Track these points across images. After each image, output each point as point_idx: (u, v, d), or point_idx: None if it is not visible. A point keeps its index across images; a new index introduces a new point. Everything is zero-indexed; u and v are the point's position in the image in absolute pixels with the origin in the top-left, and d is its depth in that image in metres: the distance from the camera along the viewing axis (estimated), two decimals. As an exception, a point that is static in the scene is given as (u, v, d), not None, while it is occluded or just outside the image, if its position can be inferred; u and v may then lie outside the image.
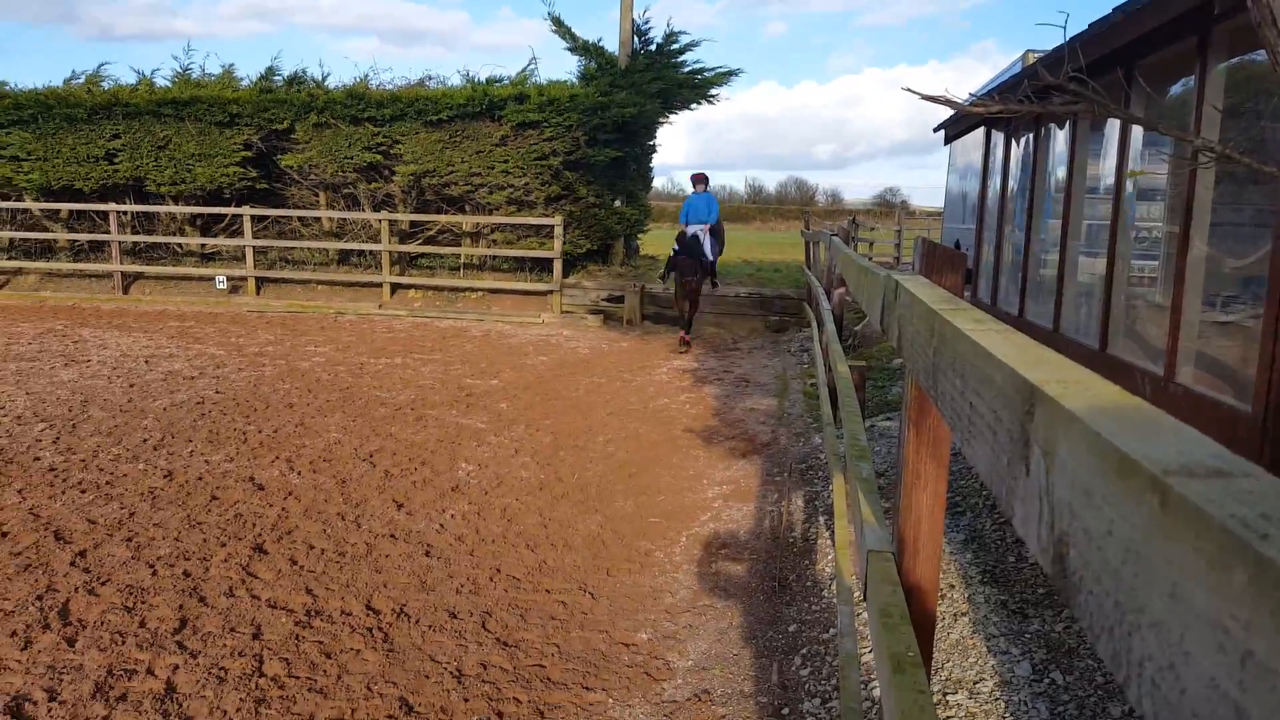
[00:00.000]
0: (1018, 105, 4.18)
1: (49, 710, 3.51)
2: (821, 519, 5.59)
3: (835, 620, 3.81)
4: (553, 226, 14.53)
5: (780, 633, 4.26)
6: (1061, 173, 7.80)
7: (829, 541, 5.12)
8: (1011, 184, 9.78)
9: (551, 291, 14.72)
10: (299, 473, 6.47)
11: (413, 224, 16.13)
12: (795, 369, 10.69)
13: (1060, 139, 7.93)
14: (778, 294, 15.92)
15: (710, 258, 13.41)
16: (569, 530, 5.57)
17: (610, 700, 3.71)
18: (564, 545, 5.34)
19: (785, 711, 3.58)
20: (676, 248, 12.25)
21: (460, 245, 16.05)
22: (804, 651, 4.02)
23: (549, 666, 3.98)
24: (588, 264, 16.74)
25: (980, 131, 11.31)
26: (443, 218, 15.69)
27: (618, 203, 17.23)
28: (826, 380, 7.34)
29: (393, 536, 5.38)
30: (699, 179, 13.86)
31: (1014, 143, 9.74)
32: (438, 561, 5.06)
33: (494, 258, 15.94)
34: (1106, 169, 6.83)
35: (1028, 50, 11.76)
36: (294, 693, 3.72)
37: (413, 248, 15.76)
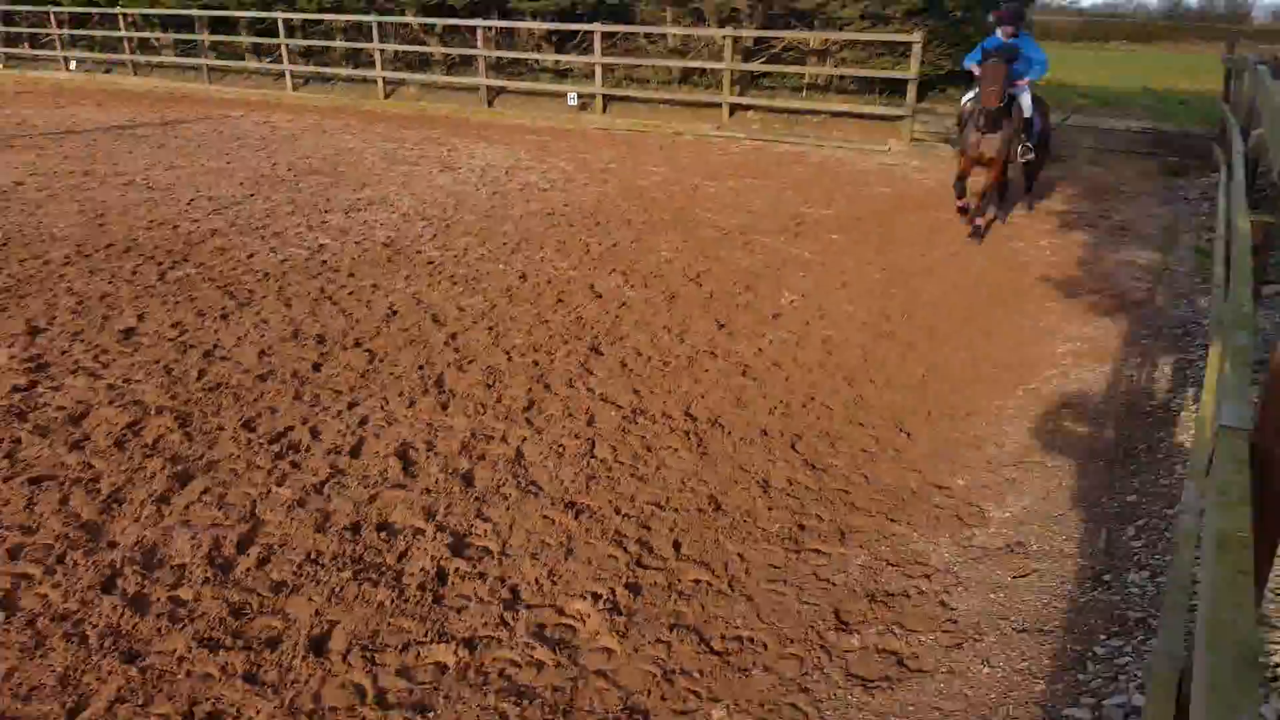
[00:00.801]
0: None
1: (427, 458, 4.37)
2: (1190, 390, 5.08)
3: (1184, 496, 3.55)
4: (910, 44, 13.59)
5: (1116, 501, 4.06)
6: None
7: (1195, 414, 4.66)
8: None
9: (902, 117, 13.97)
10: (633, 285, 7.05)
11: (757, 41, 15.91)
12: (1190, 221, 9.38)
13: None
14: (1181, 131, 13.76)
15: (1036, 126, 8.91)
16: (891, 369, 5.59)
17: (914, 535, 3.83)
18: (884, 383, 5.39)
19: (1106, 578, 3.48)
20: (977, 80, 8.37)
21: (805, 65, 15.63)
22: (1140, 523, 3.81)
23: (854, 494, 4.17)
24: (948, 87, 15.55)
25: None
26: (788, 34, 15.29)
27: (991, 18, 15.59)
28: (1226, 236, 6.41)
29: (713, 354, 5.76)
30: (1006, 16, 8.55)
31: None
32: (753, 382, 5.37)
33: (840, 78, 15.35)
34: None
35: None
36: (618, 475, 4.27)
37: (755, 66, 15.63)
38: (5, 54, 24.72)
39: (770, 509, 4.04)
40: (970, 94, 8.83)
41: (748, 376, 5.45)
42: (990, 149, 8.34)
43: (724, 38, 15.37)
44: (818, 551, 3.74)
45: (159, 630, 3.13)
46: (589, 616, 3.31)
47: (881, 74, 14.36)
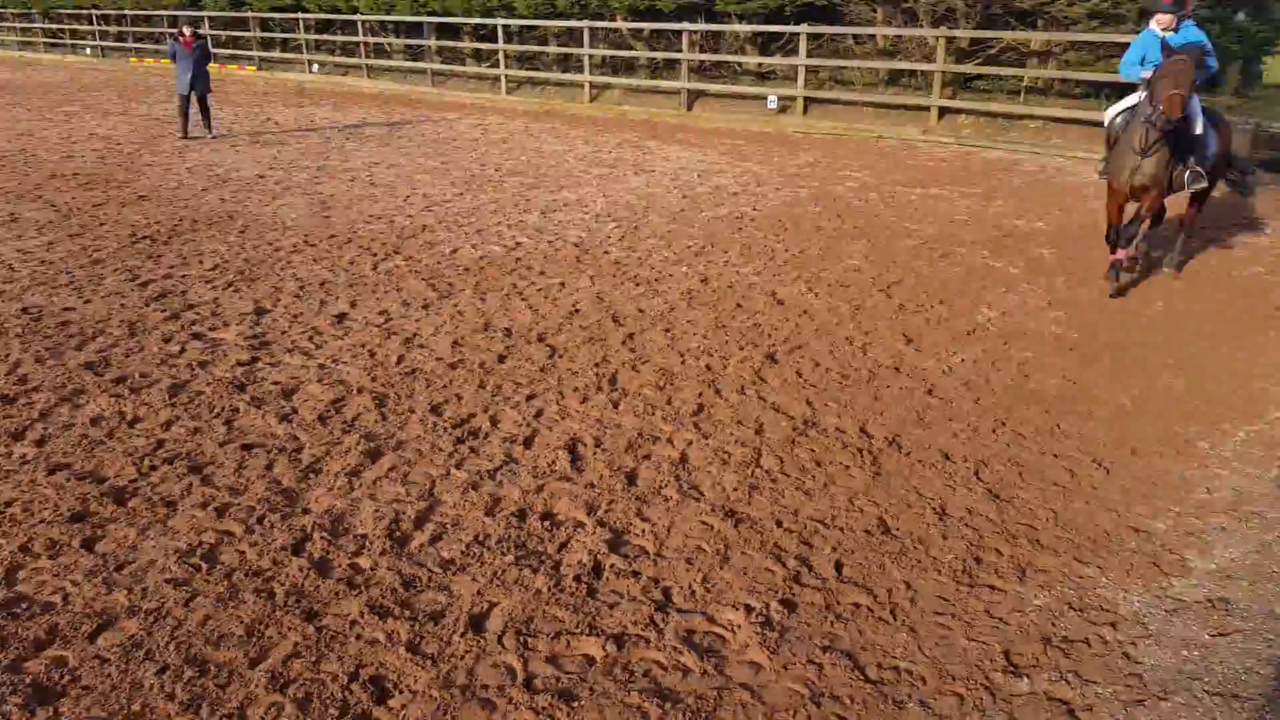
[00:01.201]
0: None
1: (594, 454, 4.48)
2: None
3: None
4: (1147, 44, 12.55)
5: (1354, 566, 3.58)
6: None
7: None
8: None
9: (1131, 125, 12.92)
10: (816, 293, 6.93)
11: (973, 42, 15.20)
12: None
13: None
14: None
15: (1210, 147, 7.03)
16: (1094, 397, 5.19)
17: (1103, 579, 3.54)
18: (1085, 413, 5.01)
19: (1332, 652, 3.08)
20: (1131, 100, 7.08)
21: (1025, 67, 14.78)
22: (1383, 594, 3.34)
23: (1040, 529, 3.90)
24: (1188, 92, 14.22)
25: None
26: (1009, 34, 14.50)
27: (1240, 15, 14.14)
28: None
29: (897, 369, 5.57)
30: (1168, 1, 6.81)
31: None
32: (938, 401, 5.14)
33: (1064, 81, 14.40)
34: None
35: None
36: (783, 488, 4.21)
37: (969, 68, 14.94)
38: (260, 58, 27.56)
39: (945, 538, 3.86)
40: (1121, 105, 7.23)
41: (933, 395, 5.22)
42: (1146, 176, 6.67)
43: (937, 38, 14.80)
44: (993, 588, 3.53)
45: (337, 594, 3.40)
46: (740, 628, 3.29)
47: (1110, 77, 13.35)
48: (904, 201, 10.10)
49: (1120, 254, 6.95)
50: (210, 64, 14.60)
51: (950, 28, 14.91)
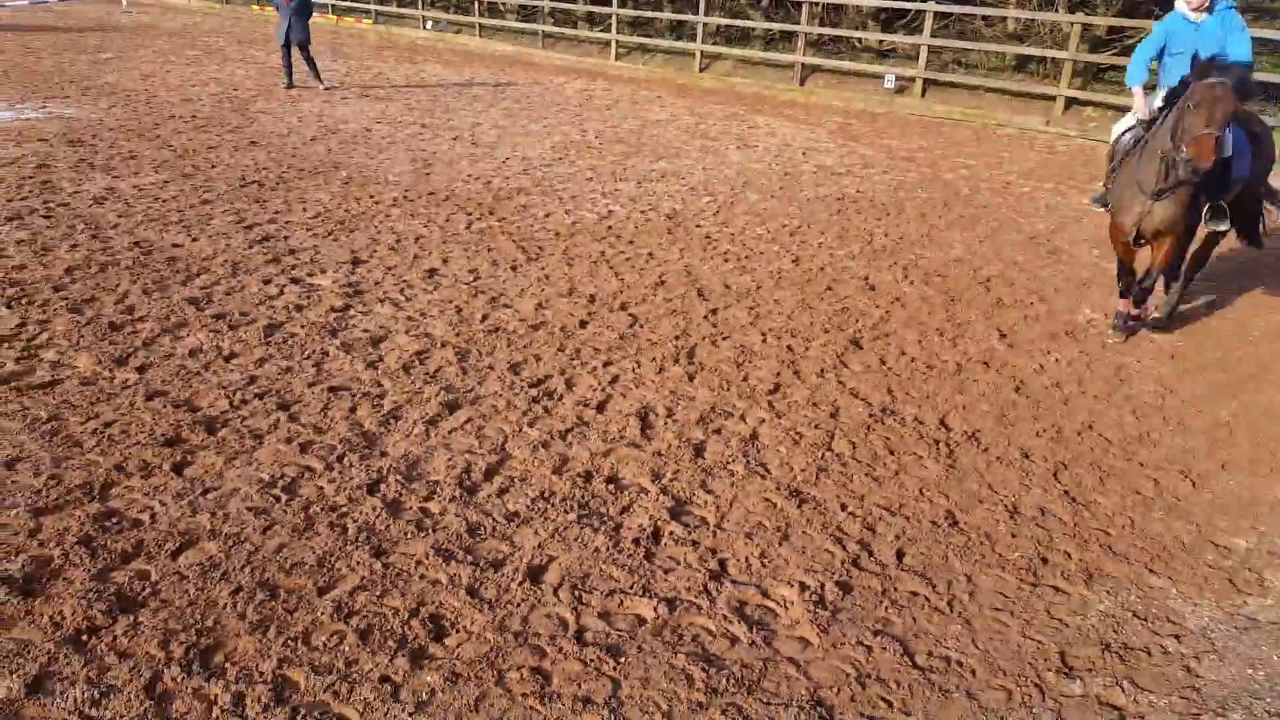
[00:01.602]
0: None
1: (664, 423, 4.62)
2: None
3: None
4: (1304, 38, 11.88)
5: None
6: None
7: None
8: None
9: None
10: (911, 281, 6.88)
11: (1111, 30, 14.62)
12: None
13: None
14: None
15: (1242, 170, 5.62)
16: (1191, 410, 5.06)
17: (1174, 591, 3.51)
18: (1178, 423, 4.89)
19: None
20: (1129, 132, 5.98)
21: (1167, 57, 14.14)
22: None
23: (1114, 536, 3.87)
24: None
25: None
26: (1150, 23, 13.89)
27: None
28: None
29: (986, 364, 5.52)
30: None
31: None
32: (1025, 400, 5.09)
33: (1209, 76, 13.75)
34: None
35: None
36: (852, 473, 4.27)
37: (1103, 57, 14.37)
38: (377, 11, 28.35)
39: (1013, 535, 3.87)
40: (1129, 120, 6.00)
41: (1020, 394, 5.17)
42: (1159, 221, 5.46)
43: (1072, 24, 14.29)
44: (1056, 589, 3.54)
45: (405, 534, 3.63)
46: (792, 604, 3.38)
47: (1272, 78, 12.67)
48: (1016, 193, 9.87)
49: (1128, 307, 5.98)
50: (311, 16, 15.03)
51: (1088, 13, 14.37)
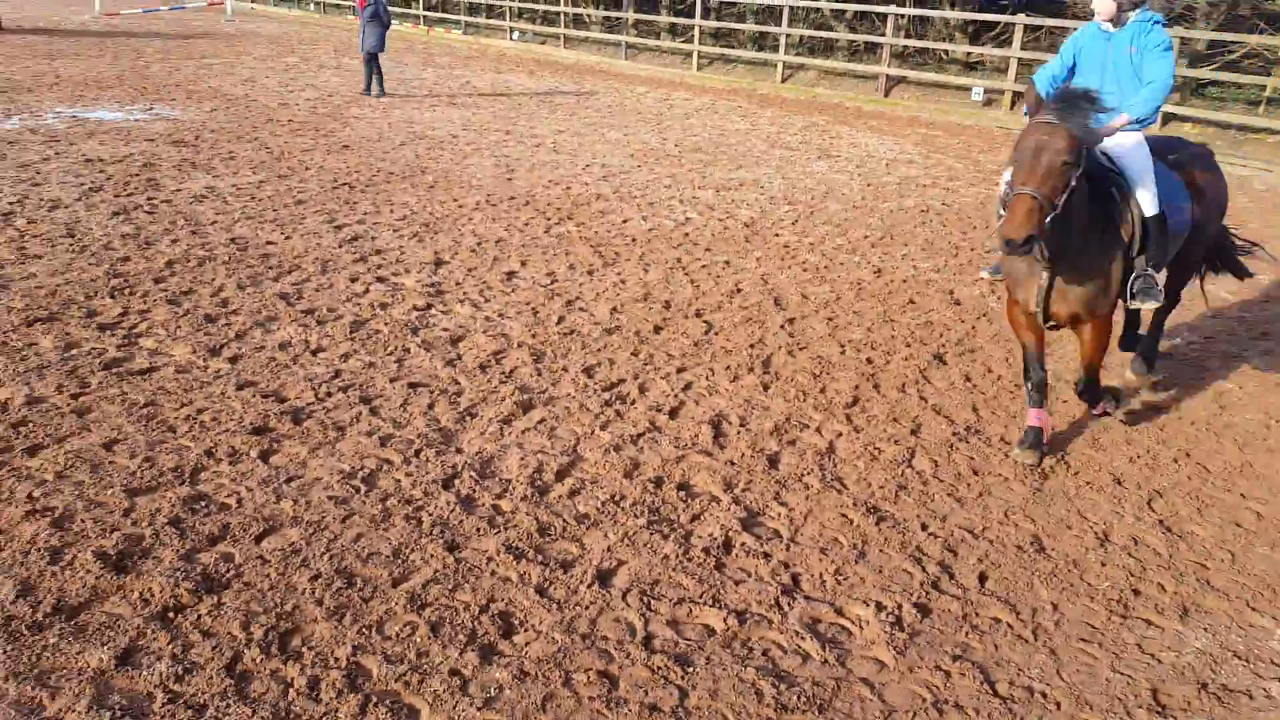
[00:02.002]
0: None
1: (738, 432, 4.53)
2: None
3: None
4: None
5: None
6: None
7: None
8: None
9: (1394, 146, 11.61)
10: (1000, 297, 6.66)
11: (1210, 44, 14.05)
12: None
13: None
14: None
15: (1180, 225, 4.46)
16: (1300, 439, 4.77)
17: (1278, 633, 3.29)
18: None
19: None
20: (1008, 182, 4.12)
21: (1270, 75, 13.52)
22: None
23: (1212, 569, 3.66)
24: None
25: None
26: (1255, 38, 13.30)
27: None
28: None
29: (1074, 384, 5.29)
30: None
31: None
32: (1118, 424, 4.86)
33: (1318, 93, 13.10)
34: None
35: None
36: (934, 491, 4.12)
37: (1202, 73, 13.80)
38: (466, 22, 28.87)
39: (1103, 564, 3.68)
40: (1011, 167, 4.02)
41: (1112, 416, 4.94)
42: (1077, 299, 4.13)
43: (1171, 38, 13.76)
44: (1149, 623, 3.35)
45: (478, 530, 3.62)
46: (868, 624, 3.27)
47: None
48: (1109, 210, 9.50)
49: (1037, 418, 4.41)
50: (388, 27, 15.04)
51: (1187, 27, 13.84)
